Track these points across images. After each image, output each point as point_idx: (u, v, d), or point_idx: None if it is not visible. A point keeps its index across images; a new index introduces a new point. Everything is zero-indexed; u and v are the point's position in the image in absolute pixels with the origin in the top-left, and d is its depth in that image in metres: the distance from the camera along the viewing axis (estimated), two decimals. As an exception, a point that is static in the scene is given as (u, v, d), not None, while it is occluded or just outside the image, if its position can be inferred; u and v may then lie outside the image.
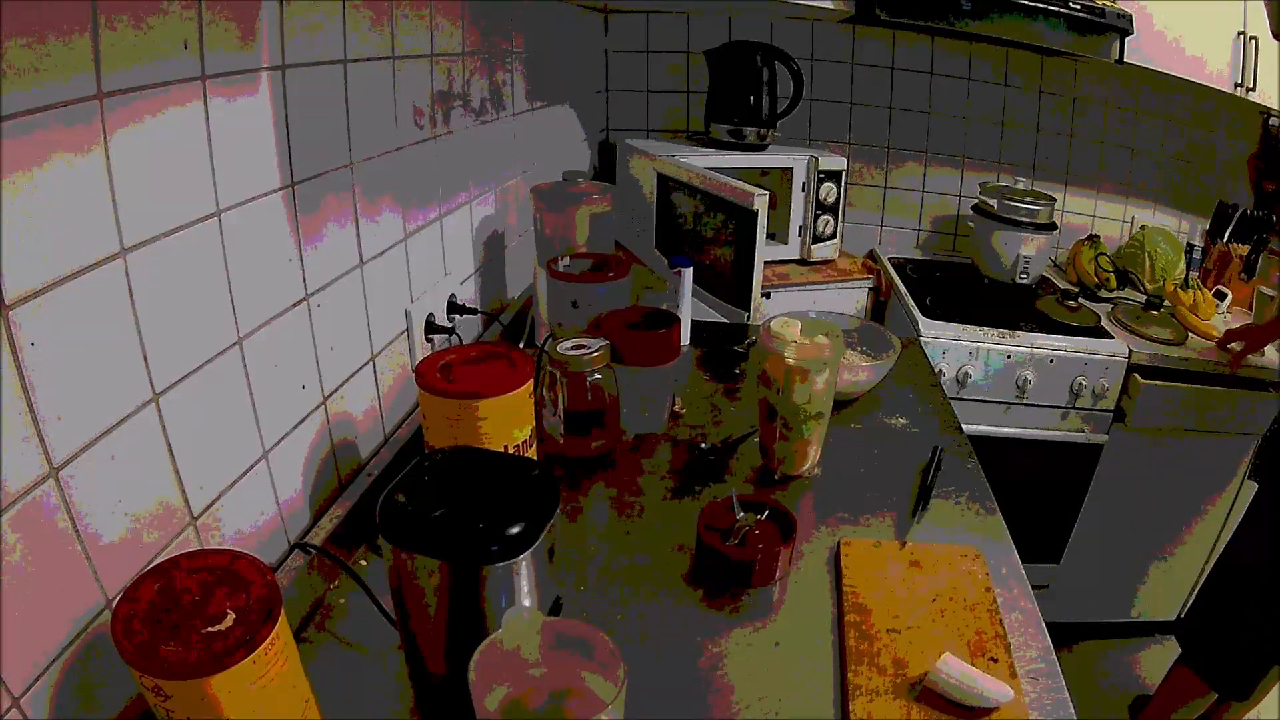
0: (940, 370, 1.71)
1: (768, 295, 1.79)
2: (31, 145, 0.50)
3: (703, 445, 1.07)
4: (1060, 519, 1.93)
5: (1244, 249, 2.03)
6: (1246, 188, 2.16)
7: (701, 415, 1.17)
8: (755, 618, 0.79)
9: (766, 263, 1.54)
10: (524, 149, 1.49)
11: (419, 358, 1.07)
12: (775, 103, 1.96)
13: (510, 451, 0.85)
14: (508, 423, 0.85)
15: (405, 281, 1.05)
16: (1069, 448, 1.84)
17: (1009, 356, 1.76)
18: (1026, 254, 1.98)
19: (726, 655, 0.74)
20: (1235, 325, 1.93)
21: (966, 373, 1.76)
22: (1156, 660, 1.96)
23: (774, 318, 1.04)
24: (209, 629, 0.51)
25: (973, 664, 0.71)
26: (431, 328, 1.11)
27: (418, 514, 0.61)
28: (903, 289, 1.96)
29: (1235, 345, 1.73)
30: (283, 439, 0.80)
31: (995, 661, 0.73)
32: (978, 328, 1.78)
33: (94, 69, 0.53)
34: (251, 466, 0.76)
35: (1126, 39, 1.73)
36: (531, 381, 0.87)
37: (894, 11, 1.65)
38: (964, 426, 1.19)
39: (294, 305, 0.81)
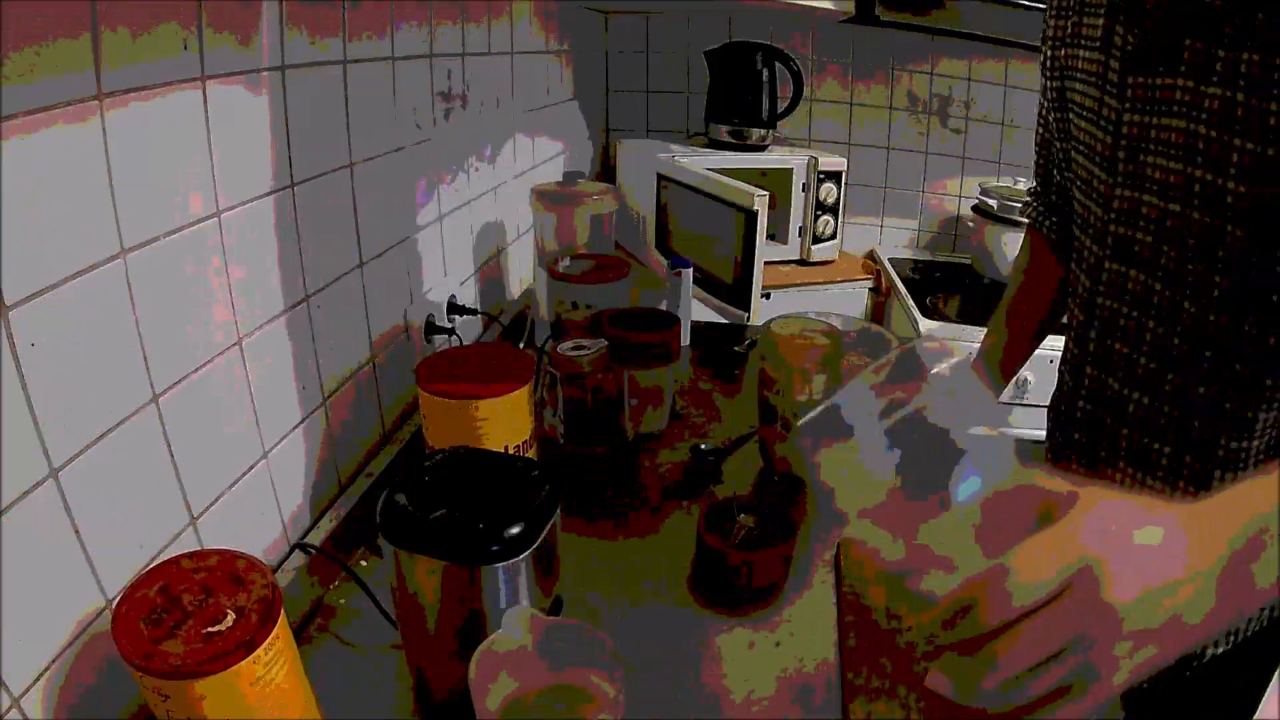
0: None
1: (768, 295, 1.79)
2: (32, 145, 0.50)
3: (703, 446, 1.07)
4: (1060, 519, 1.93)
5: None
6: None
7: (701, 415, 1.17)
8: (755, 618, 0.79)
9: (766, 263, 1.54)
10: (524, 149, 1.49)
11: (419, 358, 1.07)
12: (775, 103, 1.95)
13: (510, 451, 0.86)
14: (508, 423, 0.85)
15: (405, 282, 1.05)
16: (1069, 448, 1.83)
17: (1009, 356, 1.75)
18: (1026, 254, 1.98)
19: (726, 656, 0.74)
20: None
21: (966, 373, 1.75)
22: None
23: (774, 318, 1.03)
24: (209, 629, 0.51)
25: (973, 664, 0.71)
26: (431, 328, 1.11)
27: (418, 514, 0.61)
28: (903, 289, 1.96)
29: None
30: (283, 439, 0.80)
31: (995, 662, 0.72)
32: (978, 328, 1.78)
33: (94, 69, 0.53)
34: (251, 467, 0.76)
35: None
36: (531, 381, 0.87)
37: (894, 11, 1.65)
38: (964, 427, 1.19)
39: (294, 306, 0.81)
